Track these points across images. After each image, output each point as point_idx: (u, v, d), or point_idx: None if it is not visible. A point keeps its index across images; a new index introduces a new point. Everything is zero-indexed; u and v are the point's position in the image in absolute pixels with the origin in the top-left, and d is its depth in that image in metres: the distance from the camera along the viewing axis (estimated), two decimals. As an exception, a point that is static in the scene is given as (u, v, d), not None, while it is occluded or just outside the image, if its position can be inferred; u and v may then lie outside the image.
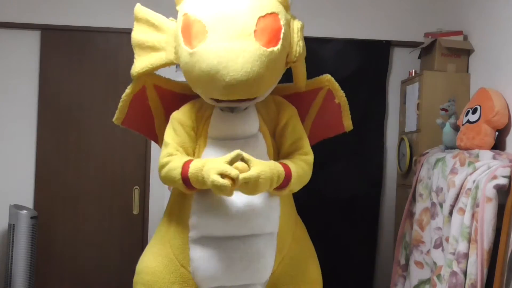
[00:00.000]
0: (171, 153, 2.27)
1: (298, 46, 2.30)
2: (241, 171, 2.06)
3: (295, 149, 2.36)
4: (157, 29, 2.39)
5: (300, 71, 2.42)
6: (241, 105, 2.29)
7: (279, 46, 2.19)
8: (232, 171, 2.03)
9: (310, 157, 2.37)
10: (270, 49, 2.16)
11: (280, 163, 2.24)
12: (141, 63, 2.37)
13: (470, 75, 3.41)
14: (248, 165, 2.08)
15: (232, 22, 2.16)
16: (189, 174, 2.14)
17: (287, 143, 2.37)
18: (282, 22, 2.24)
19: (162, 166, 2.26)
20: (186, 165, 2.17)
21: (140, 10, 2.43)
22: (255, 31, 2.16)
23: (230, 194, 2.07)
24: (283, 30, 2.23)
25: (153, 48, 2.37)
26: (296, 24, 2.33)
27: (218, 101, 2.26)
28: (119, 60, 3.70)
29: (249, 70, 2.11)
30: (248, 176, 2.04)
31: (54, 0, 3.71)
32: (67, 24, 3.70)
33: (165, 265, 2.31)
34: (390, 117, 3.90)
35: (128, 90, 2.47)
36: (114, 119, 2.53)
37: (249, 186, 2.06)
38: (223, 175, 2.04)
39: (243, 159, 2.09)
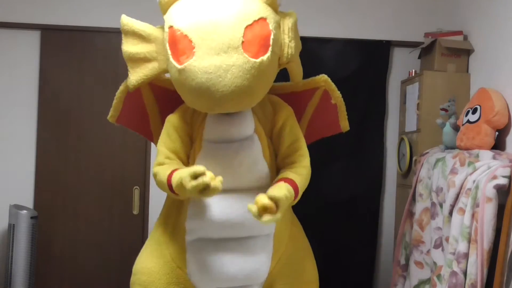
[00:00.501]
0: (160, 162, 2.26)
1: (290, 48, 2.26)
2: (269, 209, 2.02)
3: (293, 151, 2.35)
4: (146, 40, 2.35)
5: (295, 69, 2.39)
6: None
7: (268, 54, 2.16)
8: (199, 168, 2.01)
9: (308, 160, 2.36)
10: (259, 59, 2.13)
11: (289, 181, 2.21)
12: (135, 76, 2.34)
13: (470, 75, 3.41)
14: (276, 204, 2.05)
15: (219, 36, 2.12)
16: (175, 190, 2.14)
17: (285, 144, 2.35)
18: (271, 26, 2.19)
19: (154, 175, 2.27)
20: (169, 181, 2.16)
21: (125, 22, 2.36)
22: (242, 42, 2.12)
23: (216, 190, 2.01)
24: (272, 36, 2.18)
25: (145, 60, 2.34)
26: (287, 24, 2.28)
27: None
28: (119, 60, 3.65)
29: (239, 85, 2.10)
30: (274, 219, 2.03)
31: (54, 0, 3.71)
32: (67, 24, 3.70)
33: (161, 266, 2.31)
34: (390, 117, 3.90)
35: (122, 87, 2.45)
36: (108, 117, 2.52)
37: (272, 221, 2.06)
38: (196, 176, 2.01)
39: (271, 198, 2.04)
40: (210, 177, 2.00)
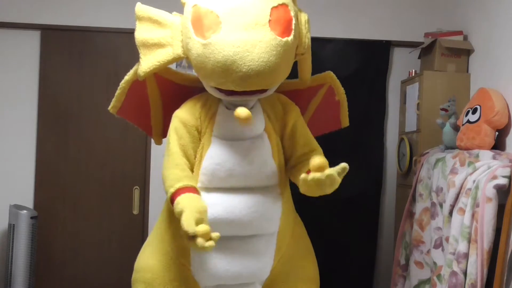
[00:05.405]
0: (175, 162, 2.21)
1: (307, 38, 2.30)
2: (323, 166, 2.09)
3: (310, 150, 2.34)
4: (161, 25, 2.33)
5: (307, 64, 2.41)
6: (251, 98, 2.25)
7: (291, 36, 2.18)
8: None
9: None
10: (285, 39, 2.16)
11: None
12: (147, 62, 2.29)
13: (470, 75, 3.41)
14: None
15: (246, 13, 2.14)
16: (176, 213, 2.09)
17: (299, 144, 2.35)
18: (292, 13, 2.24)
19: (164, 178, 2.21)
20: (174, 197, 2.12)
21: (141, 8, 2.36)
22: (269, 21, 2.15)
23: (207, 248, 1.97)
24: (294, 21, 2.22)
25: (158, 45, 2.30)
26: (303, 17, 2.32)
27: (228, 94, 2.22)
28: (119, 60, 3.70)
29: (266, 60, 2.10)
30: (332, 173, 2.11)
31: (54, 0, 3.72)
32: (67, 24, 3.70)
33: (164, 263, 2.31)
34: (390, 117, 3.90)
35: (127, 77, 2.41)
36: (109, 108, 2.48)
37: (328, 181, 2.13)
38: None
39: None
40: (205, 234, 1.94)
